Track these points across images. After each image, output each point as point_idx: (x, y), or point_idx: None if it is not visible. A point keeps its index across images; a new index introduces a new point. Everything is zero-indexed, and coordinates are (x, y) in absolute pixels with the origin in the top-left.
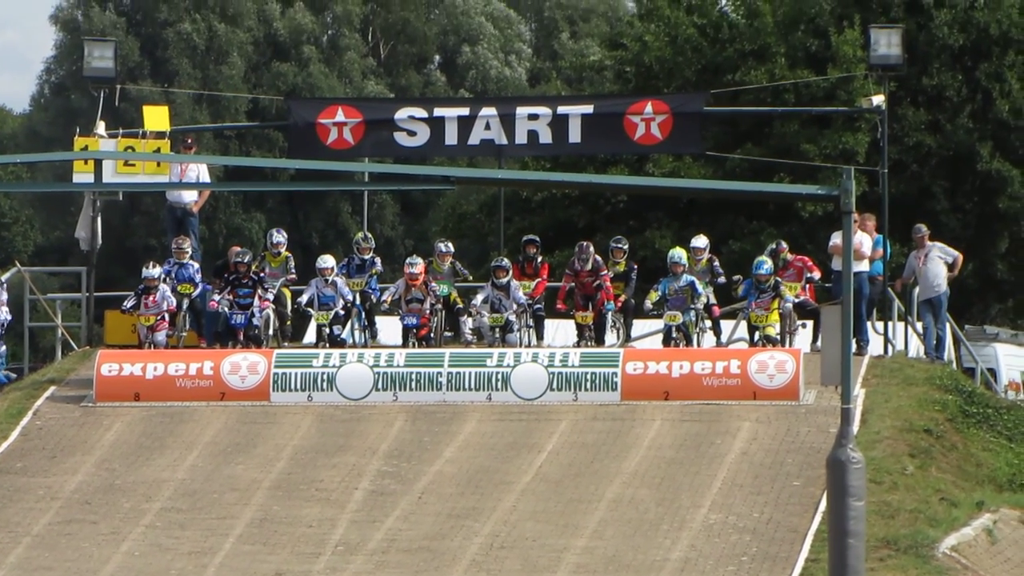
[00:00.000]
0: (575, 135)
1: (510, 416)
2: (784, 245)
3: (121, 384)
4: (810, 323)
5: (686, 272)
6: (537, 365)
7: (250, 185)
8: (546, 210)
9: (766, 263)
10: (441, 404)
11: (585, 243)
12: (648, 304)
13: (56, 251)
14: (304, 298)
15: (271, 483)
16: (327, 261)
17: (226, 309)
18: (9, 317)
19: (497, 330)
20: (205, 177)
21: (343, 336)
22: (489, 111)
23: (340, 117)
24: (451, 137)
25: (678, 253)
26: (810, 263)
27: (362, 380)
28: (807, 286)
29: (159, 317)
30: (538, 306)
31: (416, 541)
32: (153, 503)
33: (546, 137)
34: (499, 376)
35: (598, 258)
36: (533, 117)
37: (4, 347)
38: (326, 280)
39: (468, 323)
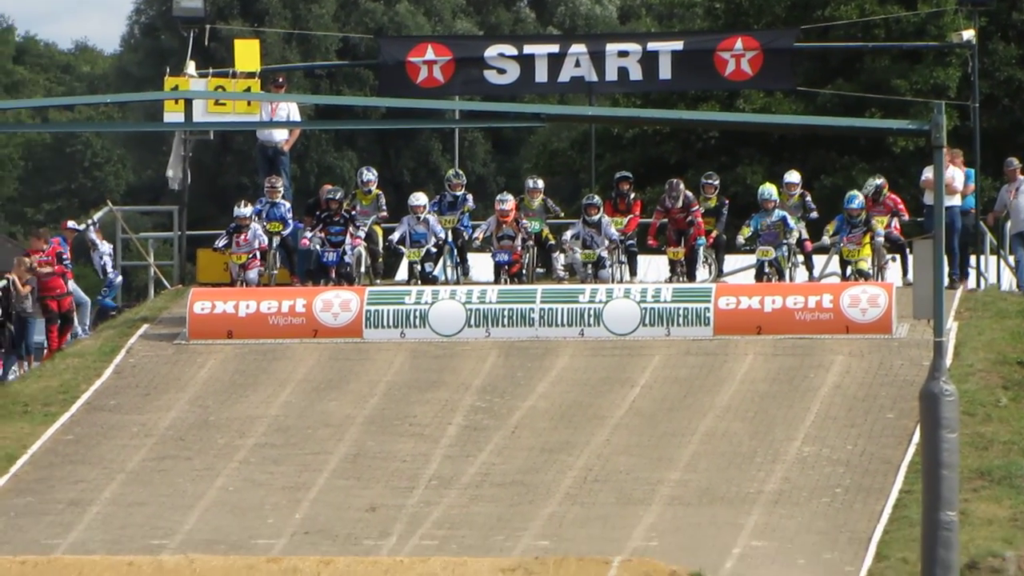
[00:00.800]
0: (665, 72)
1: (603, 351)
2: (885, 183)
3: (214, 322)
4: (899, 258)
5: (778, 207)
6: (629, 300)
7: (341, 123)
8: (637, 146)
9: (858, 197)
10: (534, 340)
11: (676, 180)
12: (740, 239)
13: (148, 190)
14: (396, 235)
15: (364, 419)
16: (419, 199)
17: (318, 247)
18: (119, 278)
19: (589, 266)
20: (295, 116)
21: (435, 273)
22: (579, 48)
23: (430, 55)
24: (541, 74)
25: (769, 189)
26: (901, 204)
27: (455, 316)
28: (893, 222)
29: (251, 255)
30: (630, 242)
31: (510, 475)
32: (247, 439)
33: (636, 74)
34: (591, 312)
35: (689, 194)
36: (623, 54)
37: (120, 277)
38: (418, 217)
39: (560, 259)
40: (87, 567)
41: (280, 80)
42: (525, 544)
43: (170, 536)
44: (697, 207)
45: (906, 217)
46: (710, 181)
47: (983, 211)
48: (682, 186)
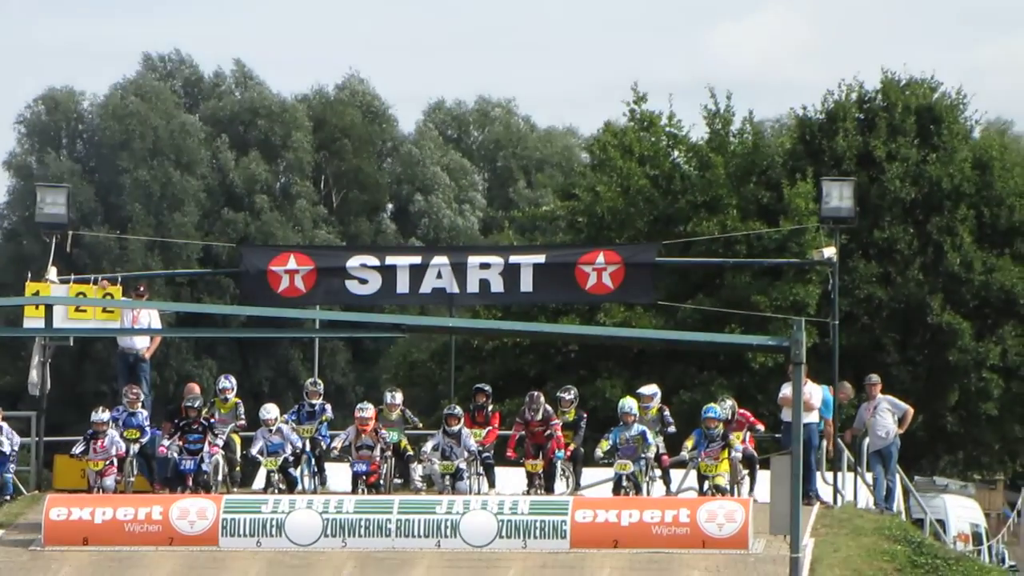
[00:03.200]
0: (527, 284)
1: (459, 563)
2: (734, 402)
3: (70, 528)
4: (747, 475)
5: (637, 422)
6: (486, 512)
7: (201, 331)
8: (497, 358)
9: (715, 408)
10: (390, 550)
11: (536, 393)
12: (599, 453)
13: (6, 395)
14: (254, 448)
15: None
16: (269, 411)
17: (175, 454)
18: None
19: (447, 477)
20: (156, 323)
21: (295, 473)
22: (441, 260)
23: (292, 264)
24: (403, 285)
25: (629, 403)
26: (751, 417)
27: (311, 526)
28: (747, 437)
29: (108, 462)
30: (487, 454)
31: None
32: None
33: (498, 286)
34: (448, 523)
35: (548, 408)
36: (485, 266)
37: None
38: (270, 429)
39: (418, 470)
40: None
41: (141, 288)
42: None
43: None
44: (556, 420)
45: (761, 428)
46: (566, 395)
47: (840, 428)
48: (542, 399)
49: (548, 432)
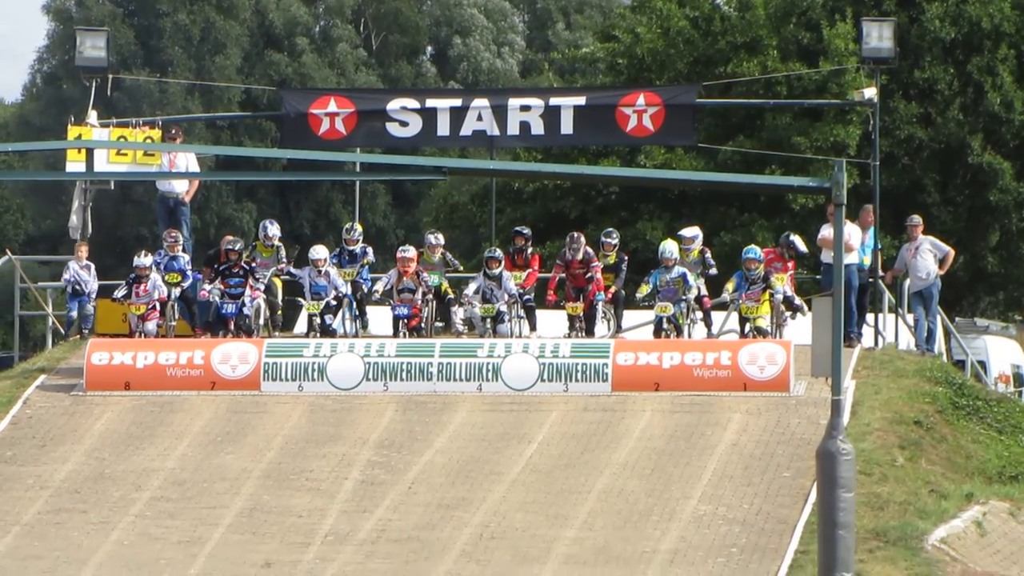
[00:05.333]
0: (567, 126)
1: (500, 407)
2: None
3: (111, 373)
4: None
5: (678, 264)
6: (528, 356)
7: (241, 175)
8: (538, 201)
9: (755, 249)
10: (431, 394)
11: (576, 234)
12: (639, 295)
13: (47, 240)
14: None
15: (261, 473)
16: (319, 252)
17: (217, 298)
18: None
19: (488, 320)
20: (195, 167)
21: (334, 326)
22: (481, 102)
23: (332, 107)
24: (443, 128)
25: (669, 247)
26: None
27: (353, 370)
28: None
29: (149, 306)
30: (528, 297)
31: (406, 531)
32: (143, 492)
33: (538, 128)
34: (490, 366)
35: (589, 249)
36: (525, 108)
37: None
38: (319, 271)
39: (459, 313)
40: None
41: (174, 131)
42: None
43: None
44: (597, 263)
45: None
46: (608, 239)
47: (882, 269)
48: (583, 239)
49: (589, 275)
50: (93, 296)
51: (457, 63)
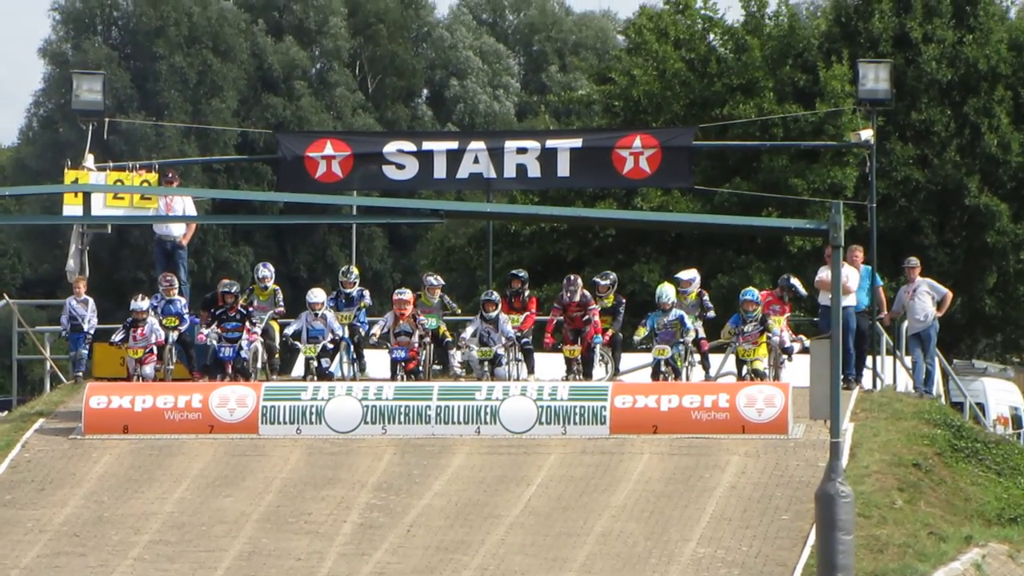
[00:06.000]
0: (564, 169)
1: (499, 449)
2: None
3: (110, 417)
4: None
5: (675, 307)
6: (526, 398)
7: (238, 218)
8: (535, 244)
9: (753, 291)
10: (430, 437)
11: (573, 276)
12: (636, 338)
13: (44, 284)
14: (291, 329)
15: (260, 516)
16: (317, 295)
17: (214, 342)
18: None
19: (486, 363)
20: (191, 210)
21: (331, 369)
22: (478, 145)
23: (329, 150)
24: (440, 170)
25: (666, 292)
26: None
27: (351, 413)
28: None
29: (147, 350)
30: (526, 340)
31: (405, 574)
32: (142, 536)
33: (535, 171)
34: (488, 409)
35: (586, 292)
36: (522, 151)
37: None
38: (316, 314)
39: (457, 356)
40: None
41: (170, 175)
42: None
43: None
44: (594, 305)
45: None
46: (603, 281)
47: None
48: (579, 281)
49: (586, 317)
50: (92, 333)
51: (453, 105)
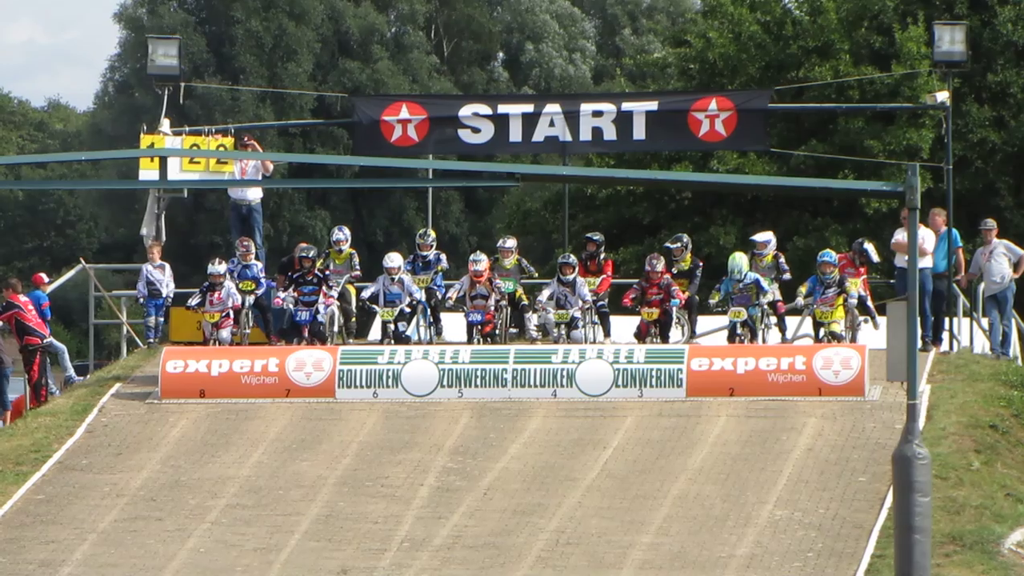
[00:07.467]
0: (639, 132)
1: (575, 413)
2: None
3: (186, 381)
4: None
5: (751, 270)
6: (602, 362)
7: (314, 182)
8: (611, 207)
9: (830, 253)
10: (506, 401)
11: (657, 255)
12: (711, 302)
13: (120, 248)
14: (367, 293)
15: (336, 480)
16: (394, 260)
17: (291, 306)
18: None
19: (562, 326)
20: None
21: (408, 333)
22: (553, 108)
23: (404, 114)
24: (515, 134)
25: (738, 264)
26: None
27: (427, 377)
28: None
29: (224, 314)
30: (602, 303)
31: (482, 537)
32: (218, 500)
33: (610, 134)
34: (564, 373)
35: (668, 277)
36: (597, 114)
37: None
38: (392, 278)
39: (533, 319)
40: None
41: (246, 139)
42: None
43: None
44: (676, 287)
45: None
46: (675, 245)
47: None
48: (662, 261)
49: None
50: (171, 298)
51: (529, 69)
